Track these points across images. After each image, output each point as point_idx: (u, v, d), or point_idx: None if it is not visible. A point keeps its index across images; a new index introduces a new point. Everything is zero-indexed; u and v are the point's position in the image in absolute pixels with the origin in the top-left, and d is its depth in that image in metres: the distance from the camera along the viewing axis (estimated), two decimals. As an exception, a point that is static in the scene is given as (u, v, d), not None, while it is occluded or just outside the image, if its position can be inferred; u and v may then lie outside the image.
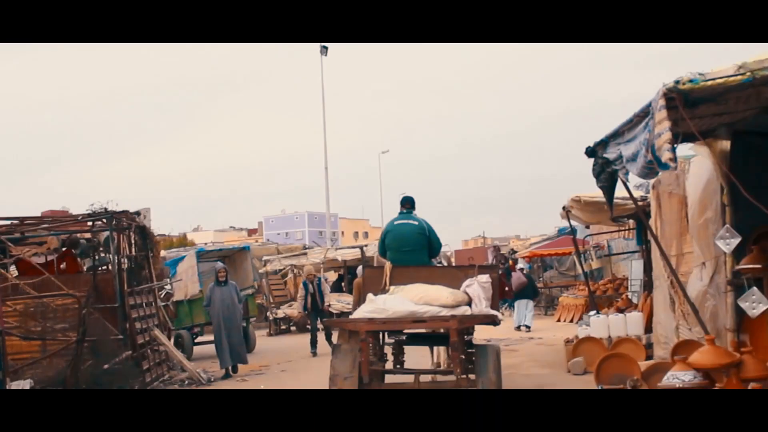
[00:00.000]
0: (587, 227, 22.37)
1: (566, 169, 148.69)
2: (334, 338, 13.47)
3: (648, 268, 13.16)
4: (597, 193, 11.02)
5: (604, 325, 10.21)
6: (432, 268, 8.52)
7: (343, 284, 24.56)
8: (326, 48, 35.85)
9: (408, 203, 8.78)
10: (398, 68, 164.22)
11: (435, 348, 10.02)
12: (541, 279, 25.58)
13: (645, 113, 4.79)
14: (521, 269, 20.22)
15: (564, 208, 12.09)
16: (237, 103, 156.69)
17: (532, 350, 13.49)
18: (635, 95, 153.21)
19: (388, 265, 8.01)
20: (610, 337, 10.16)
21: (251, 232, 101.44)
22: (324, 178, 33.87)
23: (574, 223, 14.34)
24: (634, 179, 8.33)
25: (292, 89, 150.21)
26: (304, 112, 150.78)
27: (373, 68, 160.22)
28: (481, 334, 12.34)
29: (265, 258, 22.94)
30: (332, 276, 27.44)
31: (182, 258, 16.15)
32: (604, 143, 6.12)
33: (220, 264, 12.77)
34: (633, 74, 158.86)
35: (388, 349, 8.37)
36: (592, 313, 12.58)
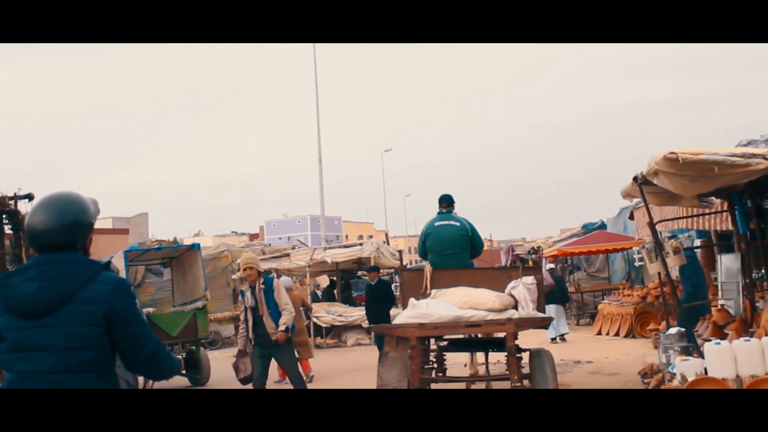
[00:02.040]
0: (628, 217, 18.47)
1: (568, 175, 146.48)
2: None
3: (751, 266, 9.31)
4: (703, 149, 7.18)
5: (727, 356, 6.30)
6: (474, 270, 8.10)
7: (335, 291, 20.70)
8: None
9: (446, 201, 8.31)
10: (403, 74, 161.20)
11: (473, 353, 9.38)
12: (569, 282, 21.65)
13: None
14: (551, 269, 16.53)
15: (635, 178, 8.21)
16: (240, 110, 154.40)
17: (590, 385, 9.60)
18: (637, 103, 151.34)
19: (428, 267, 7.66)
20: (738, 376, 6.27)
21: (253, 236, 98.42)
22: (318, 170, 30.14)
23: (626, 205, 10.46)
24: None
25: (295, 95, 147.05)
26: (308, 118, 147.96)
27: (379, 73, 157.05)
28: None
29: (238, 261, 19.00)
30: (324, 281, 23.64)
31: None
32: None
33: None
34: (634, 82, 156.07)
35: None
36: (671, 329, 8.76)
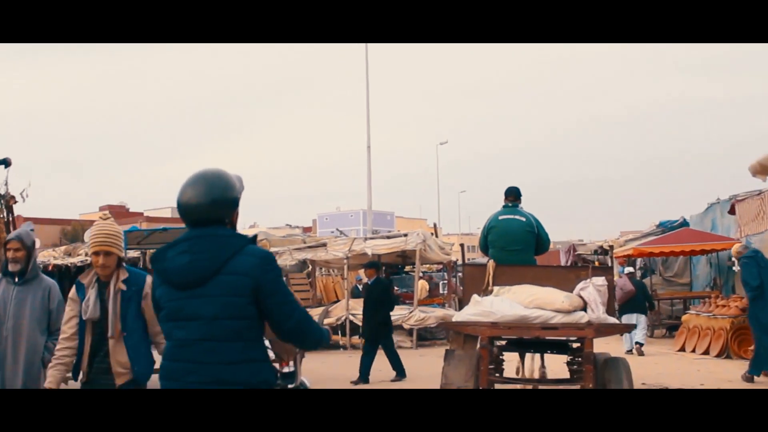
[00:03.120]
0: (728, 211, 15.80)
1: (630, 174, 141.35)
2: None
3: None
4: None
5: None
6: (539, 268, 7.75)
7: (376, 287, 18.56)
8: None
9: (512, 195, 7.99)
10: (461, 66, 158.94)
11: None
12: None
13: None
14: (630, 273, 14.17)
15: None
16: (297, 103, 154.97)
17: None
18: (670, 101, 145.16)
19: (491, 263, 7.42)
20: None
21: (306, 229, 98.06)
22: (366, 159, 28.24)
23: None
24: None
25: (354, 88, 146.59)
26: (364, 112, 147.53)
27: (435, 65, 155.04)
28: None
29: (273, 250, 17.09)
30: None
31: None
32: None
33: (16, 233, 5.39)
34: (666, 82, 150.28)
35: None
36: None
